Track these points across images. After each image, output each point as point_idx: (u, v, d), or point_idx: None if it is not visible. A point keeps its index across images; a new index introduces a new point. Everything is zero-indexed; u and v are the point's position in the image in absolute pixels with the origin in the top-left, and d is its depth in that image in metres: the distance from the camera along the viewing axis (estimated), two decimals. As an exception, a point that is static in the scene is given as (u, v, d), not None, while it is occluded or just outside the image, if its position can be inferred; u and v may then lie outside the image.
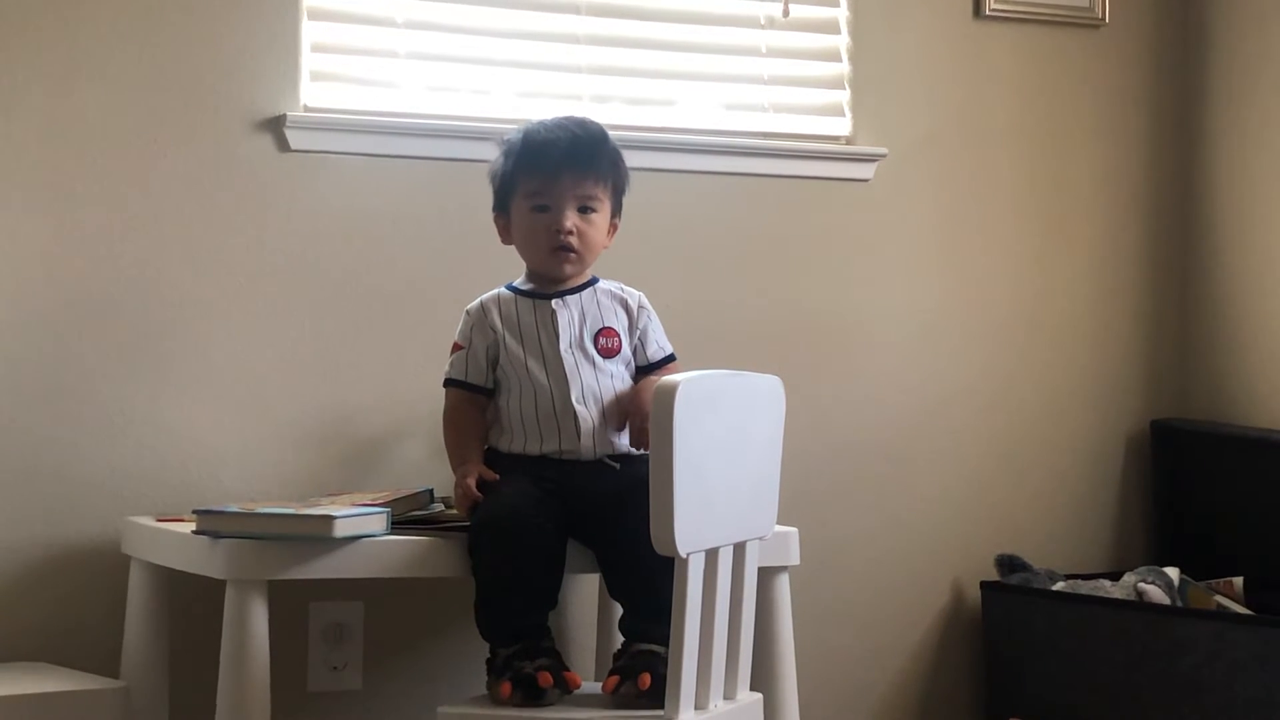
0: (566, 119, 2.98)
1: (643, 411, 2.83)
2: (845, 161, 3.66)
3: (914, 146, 3.72)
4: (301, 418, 3.26)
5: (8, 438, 3.08)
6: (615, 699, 2.62)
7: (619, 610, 2.79)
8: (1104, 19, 3.88)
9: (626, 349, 2.95)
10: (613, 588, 2.81)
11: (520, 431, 2.88)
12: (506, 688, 2.63)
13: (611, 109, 3.48)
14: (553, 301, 2.93)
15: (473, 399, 2.93)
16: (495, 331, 2.92)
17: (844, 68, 3.68)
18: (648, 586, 2.65)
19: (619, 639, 2.74)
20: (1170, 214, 3.96)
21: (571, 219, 2.91)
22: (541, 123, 2.98)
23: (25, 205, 3.10)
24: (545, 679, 2.62)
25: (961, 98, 3.78)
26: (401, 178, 3.33)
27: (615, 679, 2.63)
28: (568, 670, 2.68)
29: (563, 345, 2.89)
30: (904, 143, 3.71)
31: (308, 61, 3.28)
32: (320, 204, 3.28)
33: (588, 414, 2.86)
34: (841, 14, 3.68)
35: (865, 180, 3.68)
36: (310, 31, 3.28)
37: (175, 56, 3.18)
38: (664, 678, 2.57)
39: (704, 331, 3.46)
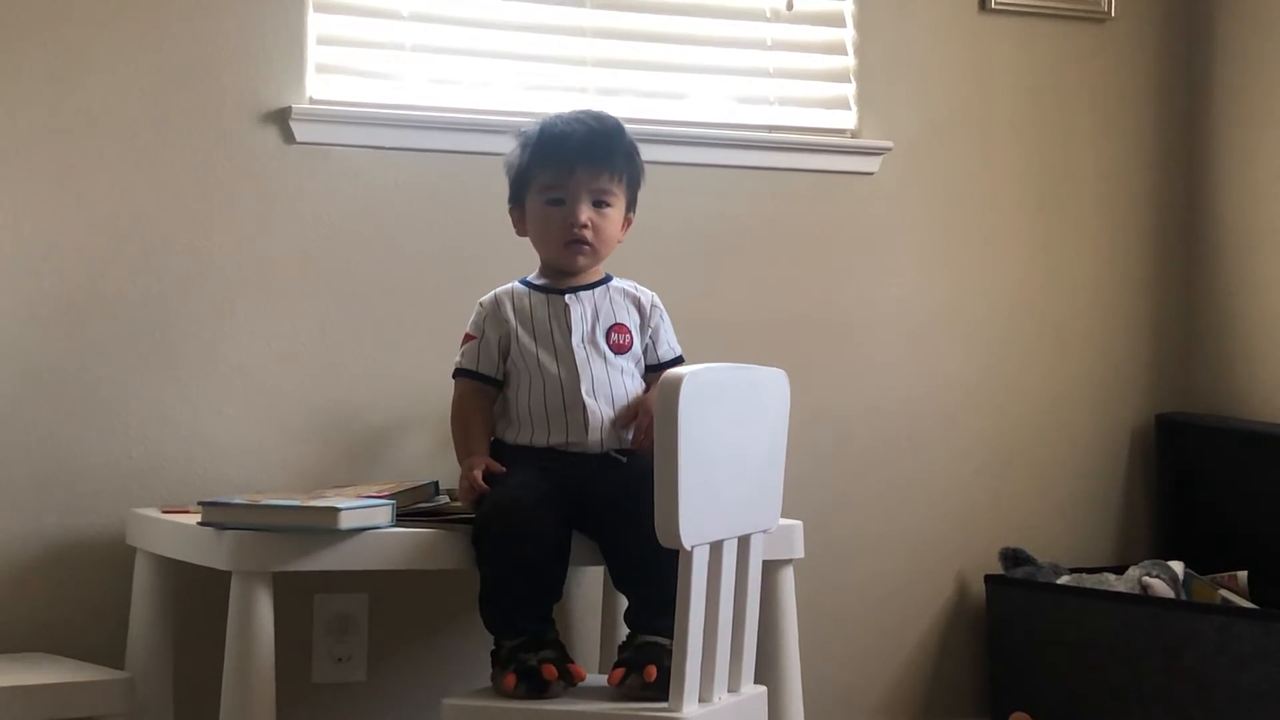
0: (583, 113, 2.99)
1: (650, 413, 2.83)
2: (850, 155, 3.66)
3: (919, 140, 3.72)
4: (306, 409, 3.26)
5: (13, 430, 3.08)
6: (621, 691, 2.62)
7: (624, 602, 2.78)
8: (1109, 13, 3.87)
9: (637, 346, 2.95)
10: (618, 580, 2.81)
11: (529, 423, 2.88)
12: (511, 680, 2.63)
13: (616, 102, 3.47)
14: (566, 296, 2.93)
15: (482, 390, 2.93)
16: (508, 323, 2.92)
17: (849, 61, 3.68)
18: (653, 579, 2.64)
19: (624, 630, 2.74)
20: (1176, 207, 3.96)
21: (586, 212, 2.91)
22: (559, 116, 2.97)
23: (30, 198, 3.10)
24: (550, 672, 2.62)
25: (967, 91, 3.78)
26: (407, 170, 3.33)
27: (621, 671, 2.63)
28: (572, 663, 2.68)
29: (575, 339, 2.90)
30: (909, 136, 3.71)
31: (313, 54, 3.28)
32: (325, 196, 3.28)
33: (597, 408, 2.86)
34: (847, 7, 3.67)
35: (870, 174, 3.68)
36: (316, 24, 3.28)
37: (180, 49, 3.18)
38: (669, 670, 2.57)
39: (708, 324, 3.46)
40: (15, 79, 3.08)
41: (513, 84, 3.43)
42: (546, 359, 2.88)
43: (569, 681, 2.65)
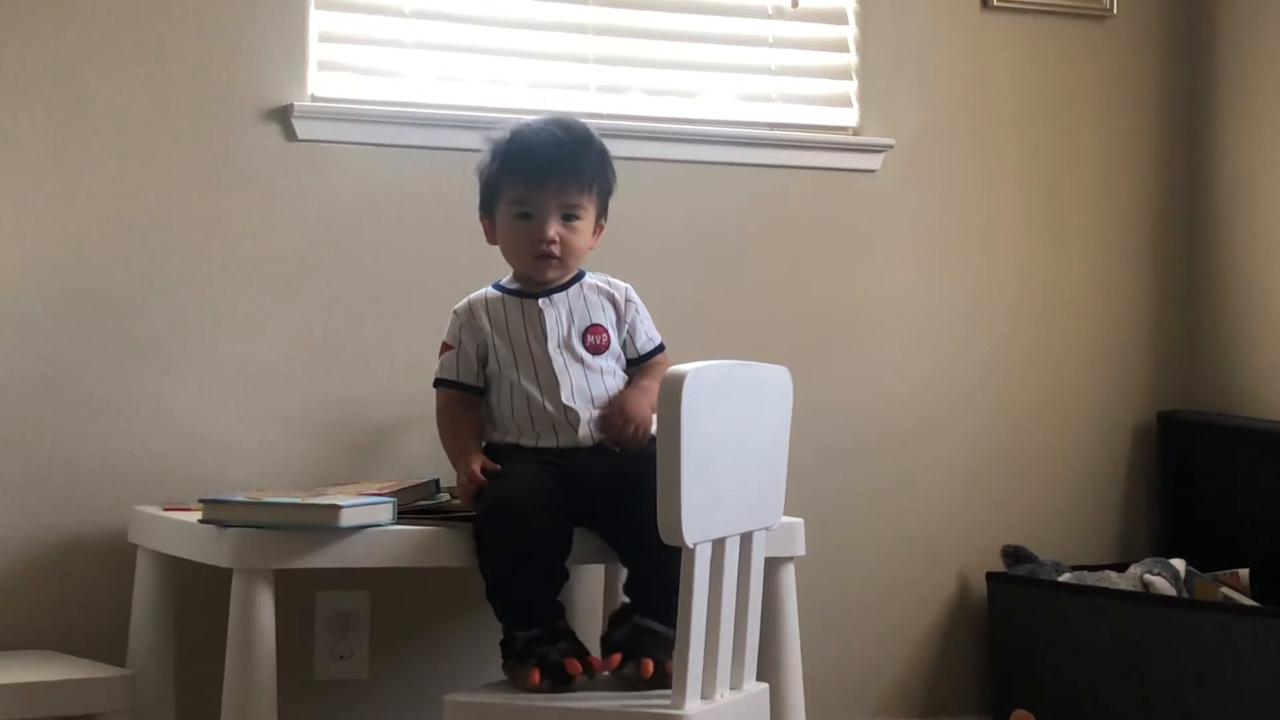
0: (551, 121, 2.96)
1: (623, 413, 2.84)
2: (852, 152, 3.65)
3: (921, 137, 3.72)
4: (308, 407, 3.26)
5: (15, 427, 3.08)
6: (618, 677, 2.61)
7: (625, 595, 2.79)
8: (1111, 10, 3.87)
9: (615, 344, 2.94)
10: (623, 558, 2.80)
11: (515, 429, 2.88)
12: (535, 674, 2.62)
13: (618, 99, 3.48)
14: (539, 301, 2.92)
15: (465, 398, 2.93)
16: (484, 331, 2.91)
17: (851, 58, 3.68)
18: (654, 563, 2.62)
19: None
20: (1177, 205, 3.96)
21: (554, 228, 2.90)
22: (528, 125, 2.95)
23: (32, 196, 3.10)
24: (574, 666, 2.62)
25: (968, 89, 3.77)
26: (408, 167, 3.33)
27: (619, 656, 2.62)
28: (589, 654, 2.67)
29: (550, 345, 2.89)
30: (911, 134, 3.71)
31: (315, 51, 3.28)
32: (327, 194, 3.28)
33: (579, 409, 2.85)
34: (849, 4, 3.67)
35: (872, 171, 3.67)
36: (317, 21, 3.28)
37: (182, 46, 3.18)
38: (664, 664, 2.58)
39: (710, 322, 3.46)
40: (16, 76, 3.08)
41: (515, 81, 3.43)
42: (524, 367, 2.87)
43: (589, 674, 2.64)
